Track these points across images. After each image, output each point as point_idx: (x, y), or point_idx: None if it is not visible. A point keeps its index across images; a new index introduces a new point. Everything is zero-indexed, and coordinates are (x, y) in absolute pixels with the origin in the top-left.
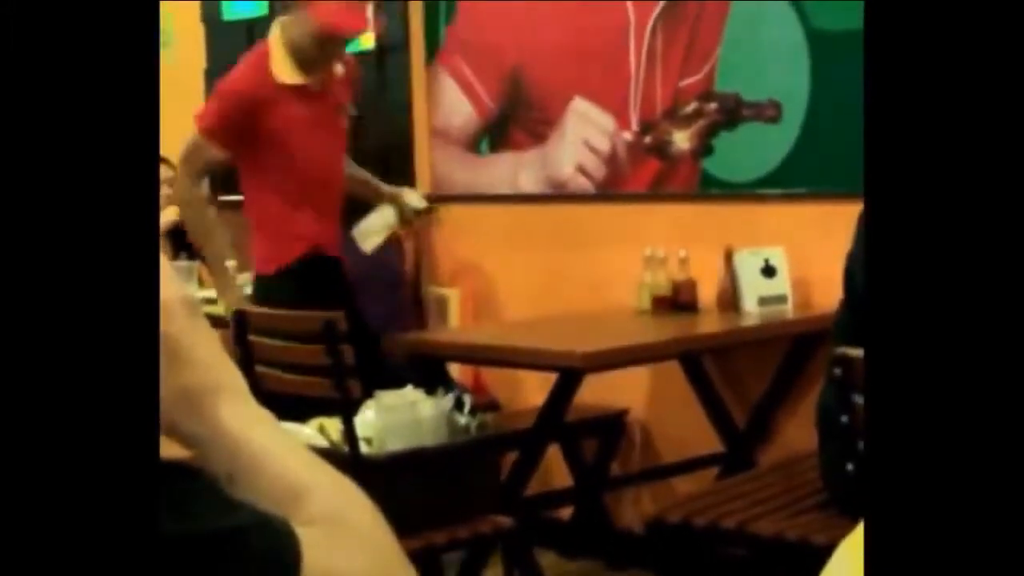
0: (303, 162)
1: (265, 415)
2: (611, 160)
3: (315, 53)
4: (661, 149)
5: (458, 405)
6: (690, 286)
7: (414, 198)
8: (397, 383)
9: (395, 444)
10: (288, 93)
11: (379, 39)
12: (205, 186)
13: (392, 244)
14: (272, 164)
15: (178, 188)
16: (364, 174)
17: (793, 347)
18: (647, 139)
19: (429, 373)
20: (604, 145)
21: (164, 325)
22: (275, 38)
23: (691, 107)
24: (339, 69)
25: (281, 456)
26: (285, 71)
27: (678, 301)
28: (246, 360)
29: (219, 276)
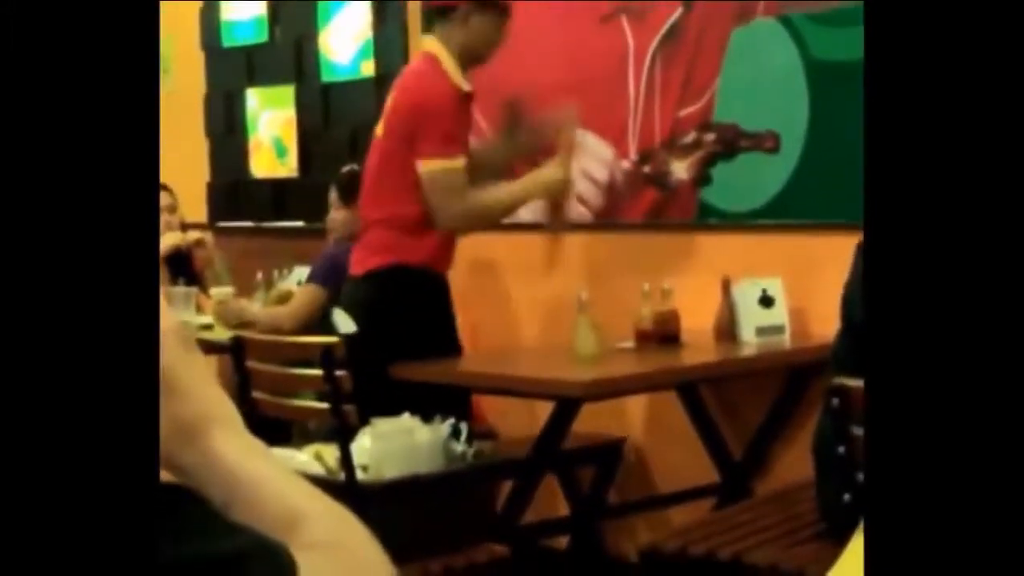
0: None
1: (259, 445)
2: (609, 189)
3: (494, 48)
4: (660, 179)
5: (455, 433)
6: (673, 318)
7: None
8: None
9: (391, 471)
10: (466, 101)
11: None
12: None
13: None
14: None
15: (454, 221)
16: None
17: (790, 377)
18: (646, 169)
19: (450, 401)
20: (602, 174)
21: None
22: (438, 49)
23: (690, 137)
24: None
25: (277, 485)
26: (460, 79)
27: (661, 333)
28: (244, 386)
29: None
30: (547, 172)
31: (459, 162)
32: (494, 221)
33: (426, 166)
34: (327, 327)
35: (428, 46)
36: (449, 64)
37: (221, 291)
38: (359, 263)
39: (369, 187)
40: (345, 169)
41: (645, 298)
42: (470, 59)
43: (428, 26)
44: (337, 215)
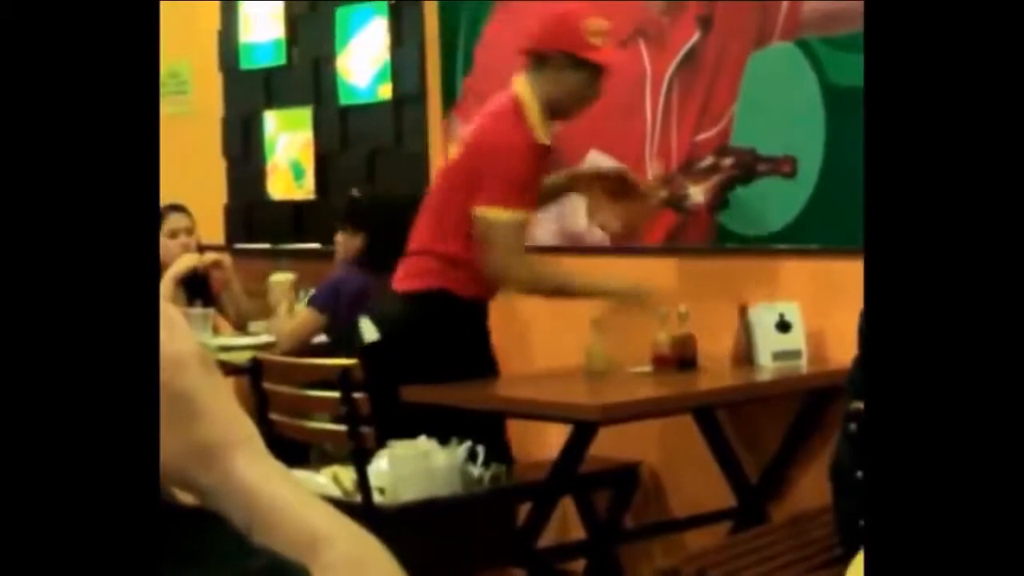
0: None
1: (279, 467)
2: None
3: (581, 104)
4: (677, 203)
5: (471, 456)
6: (690, 342)
7: None
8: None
9: (408, 494)
10: (544, 154)
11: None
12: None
13: None
14: None
15: (513, 274)
16: None
17: (807, 402)
18: (663, 192)
19: (486, 427)
20: None
21: (179, 379)
22: (526, 94)
23: (707, 161)
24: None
25: (298, 507)
26: (542, 132)
27: (678, 357)
28: (262, 407)
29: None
30: (631, 285)
31: (519, 216)
32: (549, 296)
33: (483, 212)
34: (320, 352)
35: (517, 88)
36: (533, 113)
37: (282, 277)
38: (404, 280)
39: (428, 214)
40: (352, 193)
41: (662, 322)
42: (555, 112)
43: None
44: (339, 238)
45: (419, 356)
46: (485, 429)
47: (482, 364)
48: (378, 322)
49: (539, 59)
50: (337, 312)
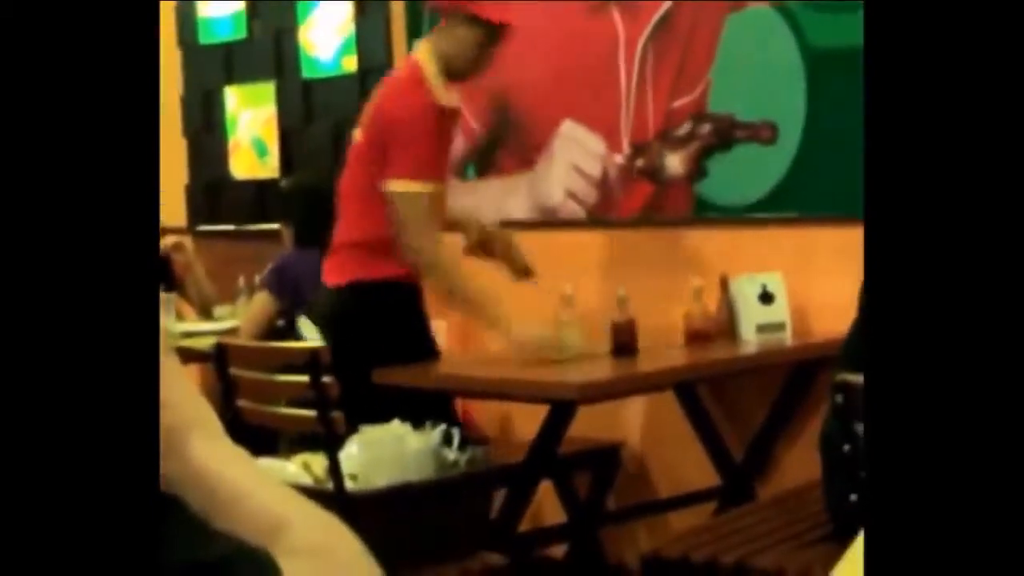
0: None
1: (240, 452)
2: (602, 184)
3: (474, 63)
4: (653, 173)
5: (446, 440)
6: (629, 327)
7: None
8: (405, 416)
9: (381, 480)
10: (447, 117)
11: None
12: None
13: None
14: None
15: (426, 255)
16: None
17: (793, 375)
18: (639, 162)
19: (433, 407)
20: (595, 169)
21: None
22: (425, 57)
23: (684, 129)
24: (456, 96)
25: (259, 492)
26: (442, 93)
27: (617, 344)
28: (228, 394)
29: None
30: (531, 331)
31: (428, 187)
32: (449, 296)
33: (392, 187)
34: (280, 336)
35: (417, 52)
36: (432, 75)
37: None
38: (331, 274)
39: (346, 201)
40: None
41: (696, 296)
42: (451, 73)
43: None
44: (281, 226)
45: (357, 351)
46: (434, 411)
47: (421, 350)
48: (315, 321)
49: (437, 17)
50: (283, 294)
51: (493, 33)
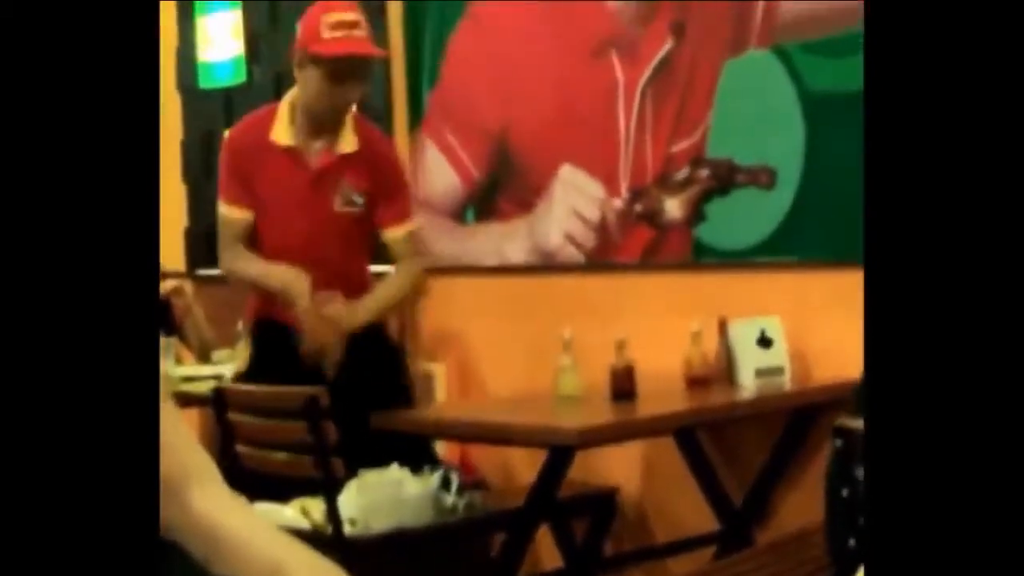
0: (273, 228)
1: (238, 499)
2: (601, 229)
3: (328, 103)
4: (652, 217)
5: (445, 484)
6: (627, 373)
7: None
8: (382, 461)
9: (380, 525)
10: (280, 155)
11: (361, 105)
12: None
13: None
14: (258, 223)
15: (223, 269)
16: (386, 294)
17: (791, 420)
18: (638, 207)
19: (415, 451)
20: (593, 213)
21: None
22: (287, 97)
23: (683, 173)
24: (351, 141)
25: (257, 538)
26: (282, 131)
27: (616, 390)
28: (226, 438)
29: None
30: (295, 283)
31: (229, 212)
32: (250, 287)
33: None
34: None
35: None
36: (283, 112)
37: None
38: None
39: None
40: None
41: (694, 340)
42: (309, 115)
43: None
44: None
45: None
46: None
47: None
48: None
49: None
50: None
51: (340, 68)
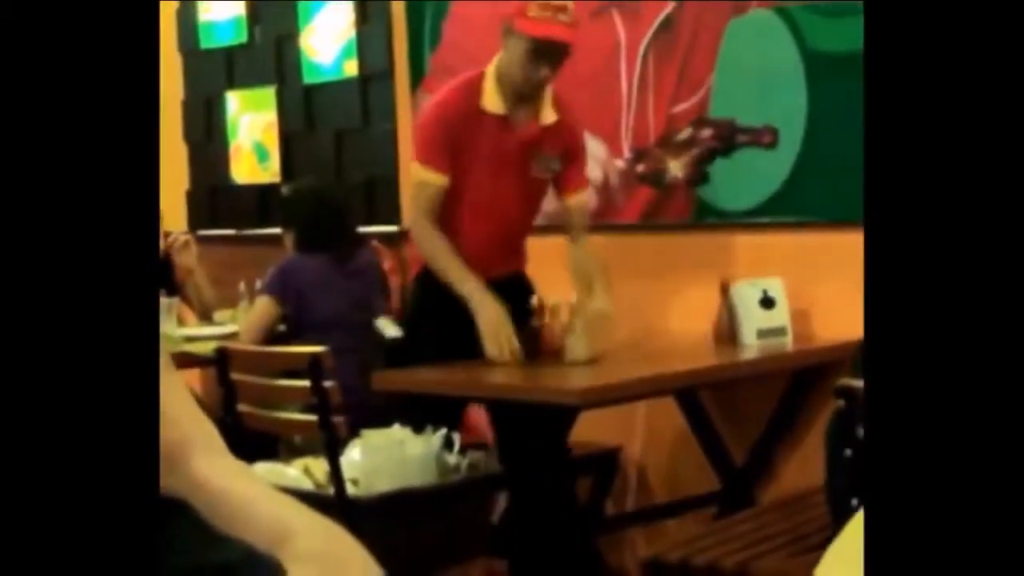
0: (471, 190)
1: (241, 465)
2: (603, 189)
3: (523, 77)
4: (654, 177)
5: (447, 444)
6: (535, 337)
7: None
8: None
9: (382, 485)
10: (491, 122)
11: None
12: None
13: (379, 280)
14: (454, 188)
15: (413, 230)
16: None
17: (794, 381)
18: (640, 167)
19: (442, 413)
20: (596, 174)
21: None
22: (491, 67)
23: (685, 134)
24: (551, 113)
25: (263, 502)
26: (492, 100)
27: (533, 350)
28: (229, 398)
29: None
30: (493, 313)
31: (428, 176)
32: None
33: (412, 166)
34: (281, 342)
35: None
36: (488, 81)
37: None
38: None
39: None
40: (281, 191)
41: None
42: (506, 85)
43: None
44: (282, 232)
45: (415, 341)
46: (442, 416)
47: (464, 347)
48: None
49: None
50: (286, 299)
51: (538, 47)
